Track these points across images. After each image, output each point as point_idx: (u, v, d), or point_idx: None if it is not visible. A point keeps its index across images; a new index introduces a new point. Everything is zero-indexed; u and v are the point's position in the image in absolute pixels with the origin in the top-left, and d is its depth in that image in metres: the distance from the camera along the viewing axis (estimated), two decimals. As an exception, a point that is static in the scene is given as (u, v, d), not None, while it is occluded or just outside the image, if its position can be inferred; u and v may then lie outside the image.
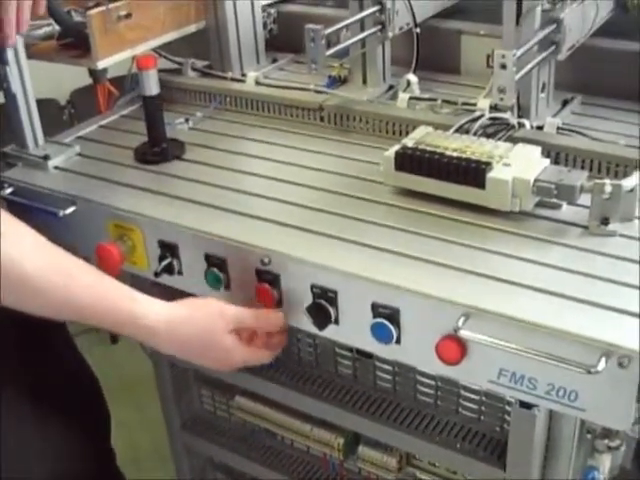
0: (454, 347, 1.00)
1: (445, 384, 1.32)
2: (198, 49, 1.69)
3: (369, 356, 1.37)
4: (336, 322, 1.10)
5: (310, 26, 1.36)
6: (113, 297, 1.09)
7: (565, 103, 1.46)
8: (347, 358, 1.41)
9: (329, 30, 1.37)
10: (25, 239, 1.06)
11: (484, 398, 1.29)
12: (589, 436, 1.19)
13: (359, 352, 1.38)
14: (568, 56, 1.33)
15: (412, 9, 1.50)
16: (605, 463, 1.18)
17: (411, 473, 1.46)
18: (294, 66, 1.74)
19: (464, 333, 0.97)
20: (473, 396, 1.30)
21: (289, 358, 1.45)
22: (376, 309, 1.05)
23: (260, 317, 1.16)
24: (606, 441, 1.17)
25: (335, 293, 1.08)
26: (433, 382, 1.33)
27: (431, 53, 1.58)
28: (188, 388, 1.69)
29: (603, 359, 0.90)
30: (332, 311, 1.09)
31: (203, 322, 1.13)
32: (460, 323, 0.97)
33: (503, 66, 1.20)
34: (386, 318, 1.04)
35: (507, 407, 1.26)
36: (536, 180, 1.13)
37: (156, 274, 1.23)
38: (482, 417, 1.31)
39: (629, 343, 0.89)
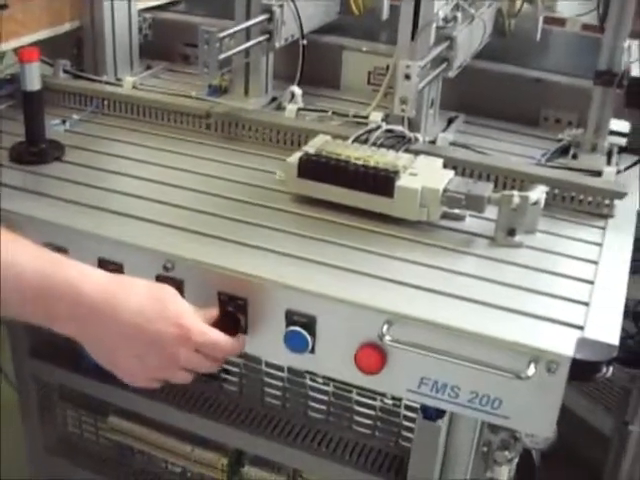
0: (374, 356, 0.97)
1: (338, 400, 1.29)
2: (65, 52, 1.60)
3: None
4: (246, 332, 1.04)
5: (205, 28, 1.31)
6: (56, 259, 0.93)
7: (450, 121, 1.48)
8: (234, 374, 1.36)
9: (223, 34, 1.33)
10: None
11: (379, 413, 1.27)
12: (485, 449, 1.19)
13: (246, 365, 1.34)
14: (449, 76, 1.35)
15: (300, 19, 1.48)
16: (504, 475, 1.19)
17: (300, 493, 1.42)
18: (168, 74, 1.68)
19: (390, 340, 0.94)
20: (368, 411, 1.28)
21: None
22: (290, 317, 1.00)
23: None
24: (506, 453, 1.18)
25: (245, 301, 1.03)
26: (326, 398, 1.30)
27: (312, 67, 1.56)
28: (52, 409, 1.58)
29: (532, 365, 0.89)
30: (242, 320, 1.04)
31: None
32: (384, 330, 0.94)
33: (407, 76, 1.20)
34: (301, 326, 1.00)
35: (403, 422, 1.25)
36: (445, 190, 1.12)
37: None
38: (377, 433, 1.29)
39: (559, 348, 0.90)
